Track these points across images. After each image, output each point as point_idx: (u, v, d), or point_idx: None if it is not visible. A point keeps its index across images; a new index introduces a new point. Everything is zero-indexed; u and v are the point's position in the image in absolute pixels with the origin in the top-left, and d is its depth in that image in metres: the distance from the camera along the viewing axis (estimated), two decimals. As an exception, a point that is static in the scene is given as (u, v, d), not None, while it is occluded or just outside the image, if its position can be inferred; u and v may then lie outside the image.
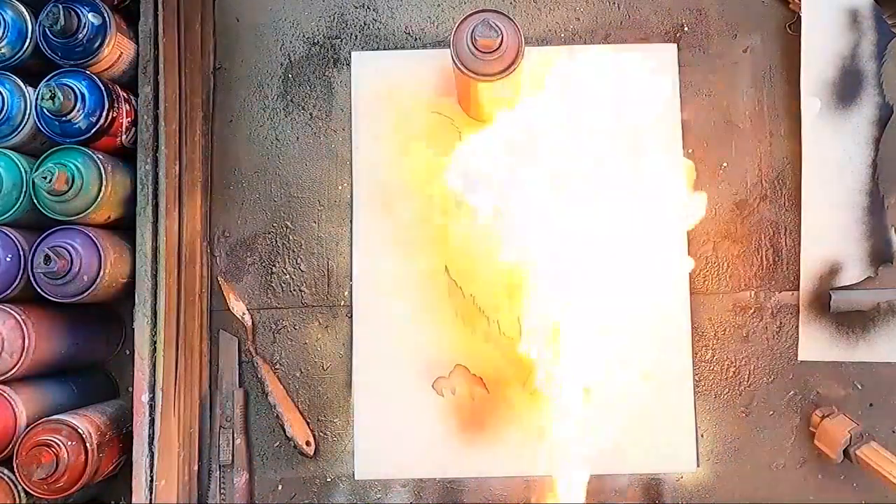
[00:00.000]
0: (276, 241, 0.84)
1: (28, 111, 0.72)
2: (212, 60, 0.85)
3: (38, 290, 0.70)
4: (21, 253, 0.71)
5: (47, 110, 0.70)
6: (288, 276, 0.83)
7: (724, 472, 0.80)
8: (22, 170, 0.71)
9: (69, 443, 0.68)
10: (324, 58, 0.85)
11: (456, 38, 0.66)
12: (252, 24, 0.86)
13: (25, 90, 0.73)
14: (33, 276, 0.70)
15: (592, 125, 0.81)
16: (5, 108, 0.71)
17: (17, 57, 0.73)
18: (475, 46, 0.65)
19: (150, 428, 0.73)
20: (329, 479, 0.81)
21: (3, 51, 0.72)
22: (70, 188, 0.69)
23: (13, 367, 0.69)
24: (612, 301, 0.80)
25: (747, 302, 0.81)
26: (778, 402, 0.80)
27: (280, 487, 0.81)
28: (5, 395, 0.70)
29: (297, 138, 0.85)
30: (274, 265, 0.83)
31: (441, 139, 0.82)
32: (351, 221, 0.83)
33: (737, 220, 0.82)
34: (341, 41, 0.85)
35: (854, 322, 0.80)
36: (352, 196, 0.83)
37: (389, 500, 0.80)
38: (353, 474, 0.80)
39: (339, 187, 0.84)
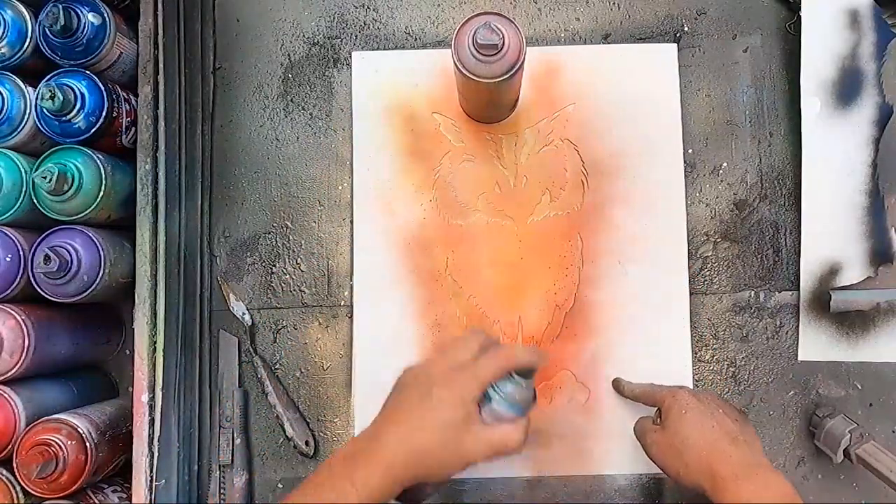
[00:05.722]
0: (276, 241, 0.84)
1: (28, 111, 0.72)
2: (212, 60, 0.85)
3: (38, 290, 0.70)
4: (21, 253, 0.71)
5: (47, 110, 0.70)
6: (288, 276, 0.83)
7: (724, 472, 0.79)
8: (22, 170, 0.71)
9: (69, 442, 0.68)
10: (324, 58, 0.85)
11: (457, 41, 0.66)
12: (252, 24, 0.86)
13: (25, 90, 0.73)
14: (33, 276, 0.70)
15: (592, 125, 0.82)
16: (5, 108, 0.71)
17: (17, 57, 0.73)
18: (477, 49, 0.65)
19: (150, 428, 0.73)
20: (329, 479, 0.80)
21: (3, 51, 0.72)
22: (70, 188, 0.69)
23: (13, 367, 0.69)
24: (612, 300, 0.80)
25: (747, 302, 0.81)
26: (778, 402, 0.80)
27: (280, 487, 0.81)
28: (5, 395, 0.70)
29: (297, 138, 0.85)
30: (274, 265, 0.83)
31: (442, 139, 0.82)
32: (351, 221, 0.82)
33: (737, 220, 0.82)
34: (341, 41, 0.85)
35: (854, 322, 0.80)
36: (352, 196, 0.82)
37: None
38: (353, 474, 0.79)
39: (339, 187, 0.84)
